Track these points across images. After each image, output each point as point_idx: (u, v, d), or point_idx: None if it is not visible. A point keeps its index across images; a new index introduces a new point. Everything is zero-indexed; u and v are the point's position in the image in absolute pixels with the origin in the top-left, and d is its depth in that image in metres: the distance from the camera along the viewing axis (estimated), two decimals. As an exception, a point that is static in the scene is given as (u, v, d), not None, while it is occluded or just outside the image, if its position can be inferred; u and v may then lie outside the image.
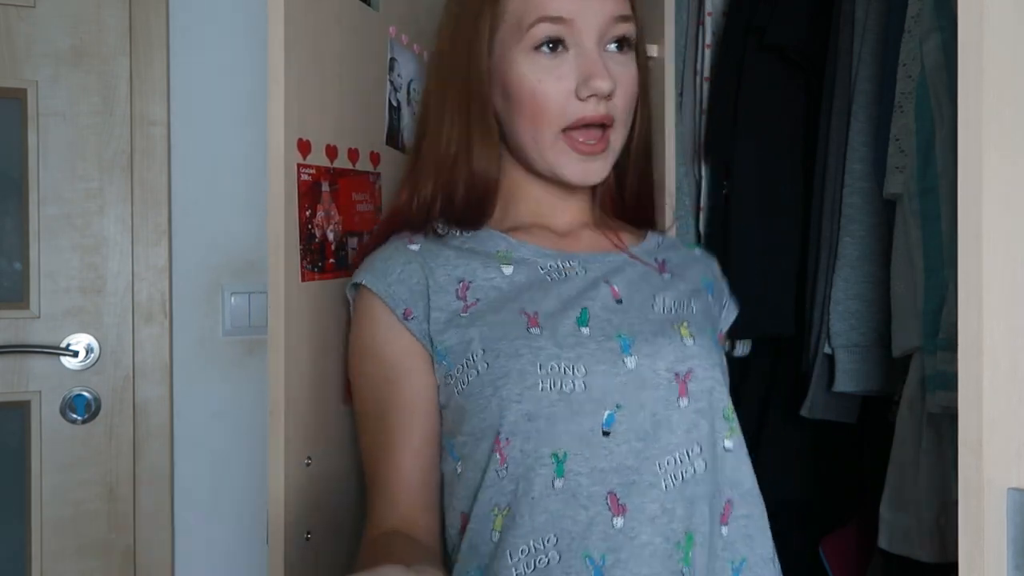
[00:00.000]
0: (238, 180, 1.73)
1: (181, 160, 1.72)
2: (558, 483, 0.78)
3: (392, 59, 1.08)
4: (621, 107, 0.86)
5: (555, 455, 0.78)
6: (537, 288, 0.85)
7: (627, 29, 0.87)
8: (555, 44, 0.84)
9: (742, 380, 1.47)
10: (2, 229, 1.63)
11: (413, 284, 0.84)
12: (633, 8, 0.89)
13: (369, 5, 1.02)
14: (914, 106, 1.11)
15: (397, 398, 0.84)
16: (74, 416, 1.63)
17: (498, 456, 0.80)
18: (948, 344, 1.02)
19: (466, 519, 0.83)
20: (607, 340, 0.82)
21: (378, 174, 1.05)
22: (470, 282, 0.85)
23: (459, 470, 0.84)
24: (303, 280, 0.88)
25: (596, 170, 0.87)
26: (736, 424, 0.86)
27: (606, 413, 0.79)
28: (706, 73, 1.51)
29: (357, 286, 0.88)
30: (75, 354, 1.63)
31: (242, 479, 1.74)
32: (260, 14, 0.88)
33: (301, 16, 0.87)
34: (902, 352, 1.14)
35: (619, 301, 0.86)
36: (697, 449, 0.81)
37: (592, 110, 0.84)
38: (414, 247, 0.87)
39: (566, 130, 0.85)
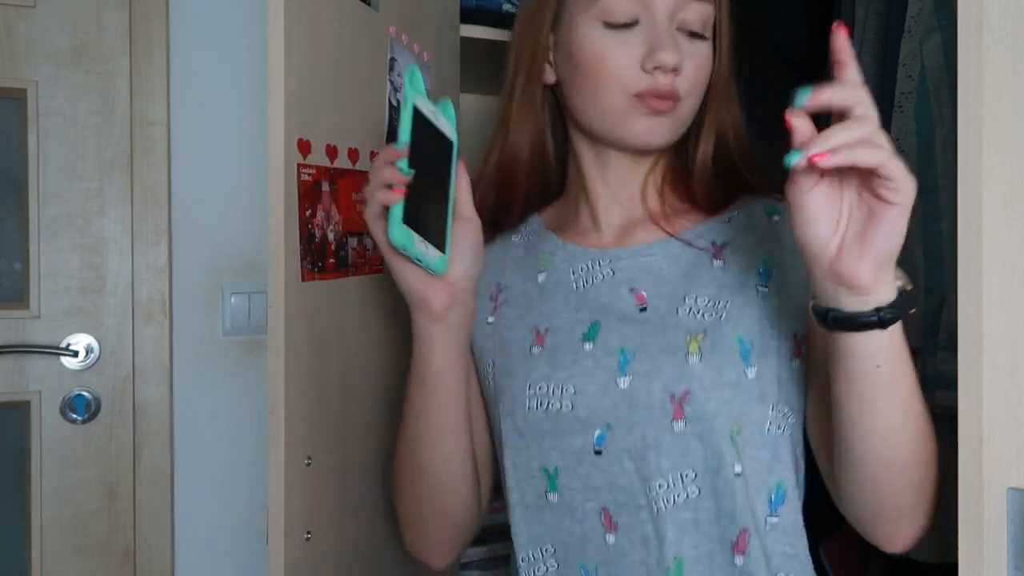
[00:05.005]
0: (238, 180, 1.73)
1: (181, 160, 1.71)
2: (551, 496, 0.82)
3: (392, 59, 1.08)
4: (688, 87, 0.82)
5: (545, 469, 0.82)
6: (560, 297, 0.87)
7: (701, 11, 0.82)
8: (626, 22, 0.80)
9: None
10: (2, 229, 1.63)
11: None
12: None
13: (369, 5, 1.02)
14: (914, 106, 1.11)
15: None
16: (74, 416, 1.63)
17: (502, 463, 0.86)
18: (948, 344, 1.02)
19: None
20: (606, 356, 0.81)
21: (378, 174, 1.05)
22: (505, 286, 0.90)
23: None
24: (303, 280, 0.88)
25: (660, 128, 0.82)
26: (748, 447, 0.78)
27: (596, 432, 0.80)
28: (706, 73, 1.51)
29: None
30: (75, 354, 1.63)
31: (242, 479, 1.74)
32: (260, 14, 0.88)
33: (301, 16, 0.87)
34: (902, 352, 1.14)
35: (643, 308, 0.83)
36: (692, 474, 0.78)
37: (660, 83, 0.79)
38: None
39: (637, 95, 0.80)
